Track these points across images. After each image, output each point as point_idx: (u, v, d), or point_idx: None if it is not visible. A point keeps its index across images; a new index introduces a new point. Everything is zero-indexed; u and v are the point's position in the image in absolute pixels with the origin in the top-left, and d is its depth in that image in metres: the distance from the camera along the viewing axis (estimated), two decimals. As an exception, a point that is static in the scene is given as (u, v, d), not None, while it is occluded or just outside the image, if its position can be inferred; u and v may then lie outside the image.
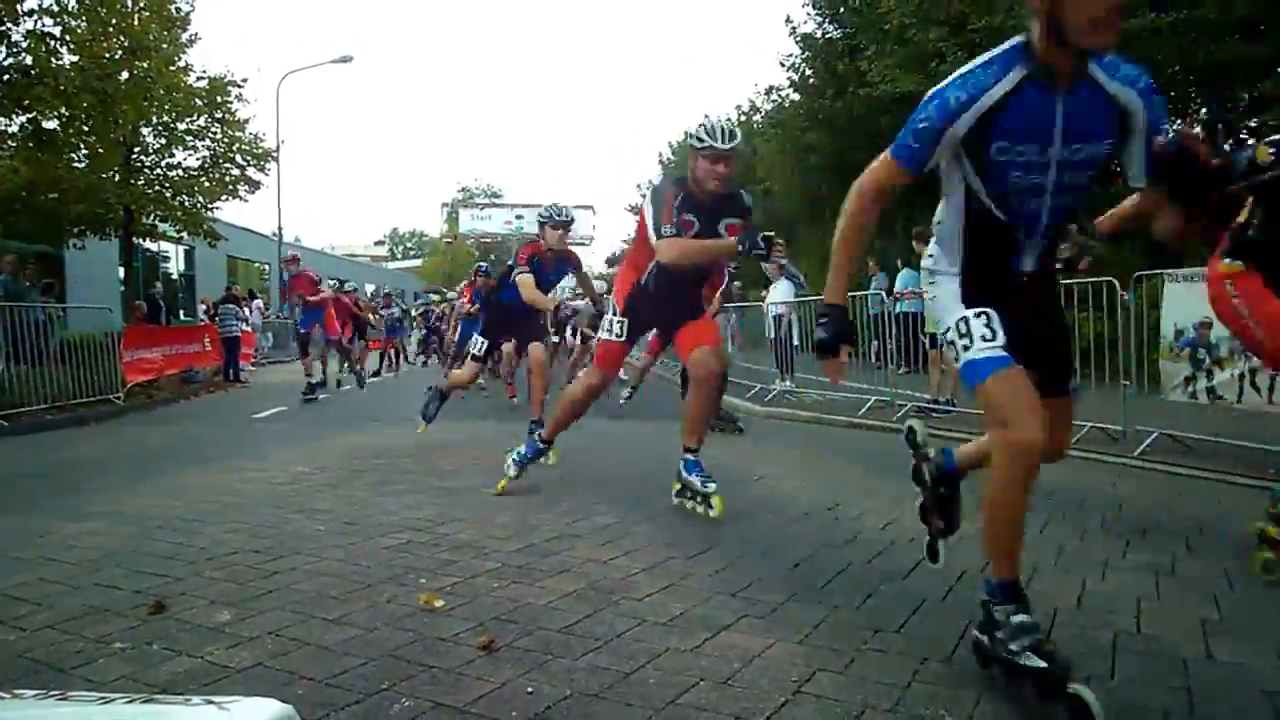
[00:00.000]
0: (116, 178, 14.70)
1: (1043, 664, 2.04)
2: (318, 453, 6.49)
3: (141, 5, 14.95)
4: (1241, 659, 2.36)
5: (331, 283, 13.93)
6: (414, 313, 23.00)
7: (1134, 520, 4.08)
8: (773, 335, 10.81)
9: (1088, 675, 2.22)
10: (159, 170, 16.06)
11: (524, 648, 2.44)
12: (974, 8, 13.15)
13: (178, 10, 15.62)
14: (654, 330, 5.22)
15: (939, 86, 2.16)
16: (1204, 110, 14.22)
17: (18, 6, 12.56)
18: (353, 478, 5.27)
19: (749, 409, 9.55)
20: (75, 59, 13.73)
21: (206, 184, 16.46)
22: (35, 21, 13.17)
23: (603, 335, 4.60)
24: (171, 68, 15.32)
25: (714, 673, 2.26)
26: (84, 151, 14.50)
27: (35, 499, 4.82)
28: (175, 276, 25.46)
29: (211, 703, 1.06)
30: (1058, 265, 2.41)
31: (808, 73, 19.73)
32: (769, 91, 24.74)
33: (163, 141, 15.93)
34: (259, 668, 2.30)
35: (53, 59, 13.32)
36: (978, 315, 2.22)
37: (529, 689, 2.17)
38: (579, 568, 3.26)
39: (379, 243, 76.46)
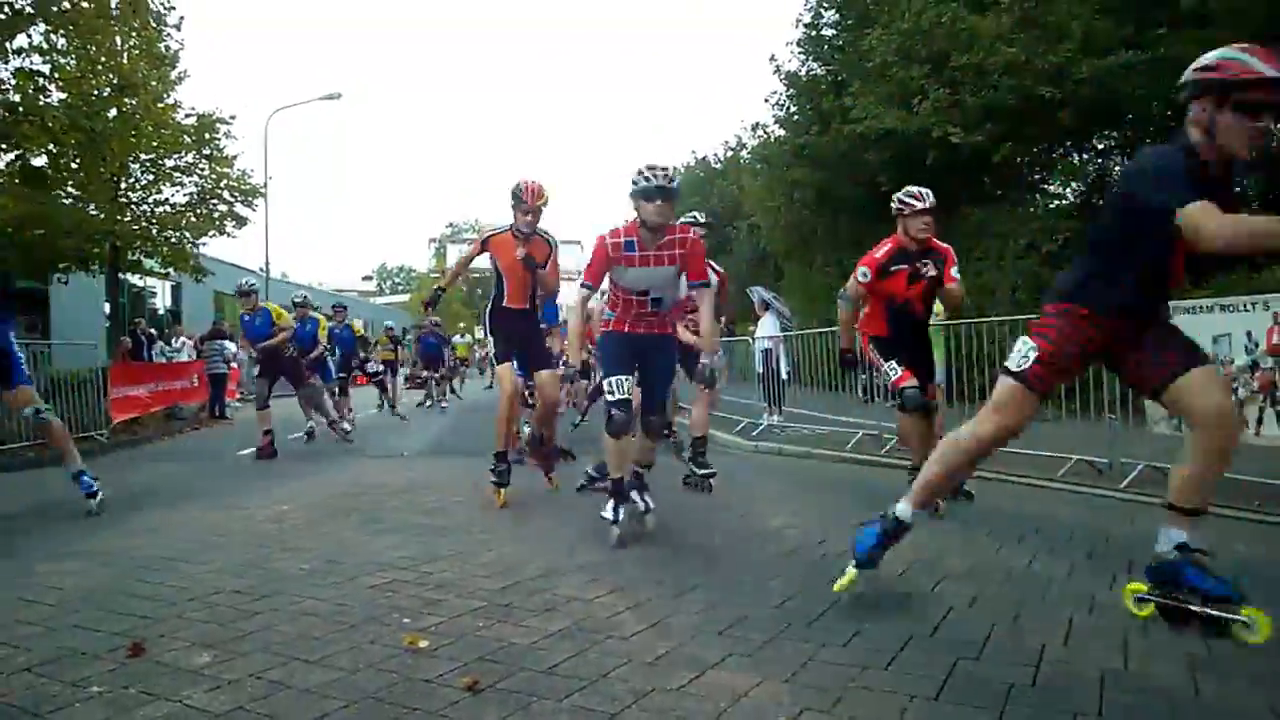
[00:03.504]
0: (103, 214, 14.70)
1: None
2: (302, 490, 6.43)
3: (131, 43, 15.04)
4: (1229, 696, 2.35)
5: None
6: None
7: (1120, 554, 4.07)
8: (761, 369, 10.83)
9: (1075, 712, 2.21)
10: (146, 206, 16.07)
11: (508, 689, 2.41)
12: (954, 46, 13.36)
13: (167, 49, 15.73)
14: None
15: None
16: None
17: (6, 45, 12.61)
18: (337, 516, 5.22)
19: (737, 443, 9.54)
20: (64, 96, 13.79)
21: (193, 220, 16.47)
22: (24, 59, 13.24)
23: None
24: (160, 105, 15.39)
25: (700, 713, 2.24)
26: (71, 187, 14.50)
27: (14, 539, 4.75)
28: (161, 312, 25.41)
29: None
30: None
31: (792, 109, 19.96)
32: (755, 128, 25.03)
33: (150, 177, 15.95)
34: (239, 711, 2.27)
35: (41, 96, 13.37)
36: None
37: (513, 731, 2.14)
38: (564, 606, 3.23)
39: (367, 278, 76.60)
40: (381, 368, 15.32)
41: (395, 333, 17.30)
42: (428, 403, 16.99)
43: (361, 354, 14.03)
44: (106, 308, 17.95)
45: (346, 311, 13.74)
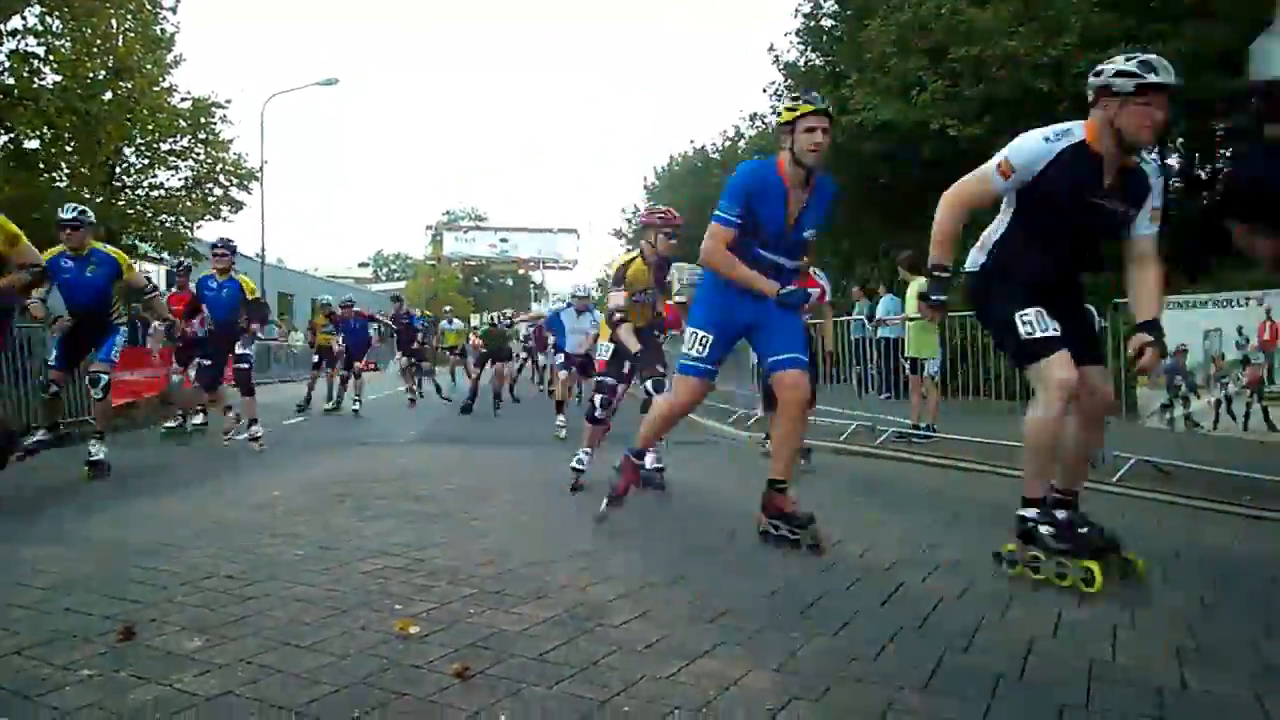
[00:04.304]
0: (98, 197, 14.64)
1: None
2: (295, 476, 6.43)
3: (127, 26, 15.00)
4: (1216, 687, 2.36)
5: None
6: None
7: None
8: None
9: (1063, 704, 2.22)
10: (141, 190, 16.04)
11: (498, 675, 2.42)
12: (953, 38, 13.34)
13: (163, 32, 15.68)
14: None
15: None
16: (1180, 140, 14.49)
17: (1, 27, 12.56)
18: (330, 502, 5.23)
19: (730, 433, 9.56)
20: (58, 79, 13.74)
21: (188, 204, 16.45)
22: (19, 42, 13.19)
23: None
24: (155, 89, 15.35)
25: (690, 701, 2.25)
26: (65, 170, 14.47)
27: (5, 522, 4.74)
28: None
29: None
30: None
31: (791, 100, 19.93)
32: (753, 118, 25.02)
33: (145, 161, 15.93)
34: (228, 695, 2.27)
35: (35, 79, 13.32)
36: None
37: (502, 717, 2.15)
38: (555, 594, 3.24)
39: (363, 265, 76.40)
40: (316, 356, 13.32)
41: (333, 309, 13.48)
42: (355, 404, 13.09)
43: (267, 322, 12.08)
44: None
45: (232, 256, 8.77)
